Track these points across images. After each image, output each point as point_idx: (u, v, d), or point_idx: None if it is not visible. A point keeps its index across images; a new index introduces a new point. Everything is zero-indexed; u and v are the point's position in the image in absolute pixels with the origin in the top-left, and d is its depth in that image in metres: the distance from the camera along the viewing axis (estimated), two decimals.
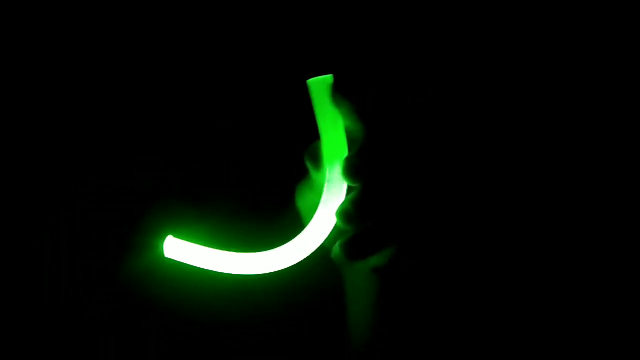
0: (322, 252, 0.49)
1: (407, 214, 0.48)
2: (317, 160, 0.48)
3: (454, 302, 0.61)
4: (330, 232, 0.48)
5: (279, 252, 0.48)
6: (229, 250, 0.48)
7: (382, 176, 0.46)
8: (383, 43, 0.64)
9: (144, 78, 0.66)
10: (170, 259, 0.48)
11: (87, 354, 0.64)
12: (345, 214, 0.46)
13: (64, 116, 0.66)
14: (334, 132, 0.47)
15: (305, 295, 0.61)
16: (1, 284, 0.64)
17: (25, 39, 0.65)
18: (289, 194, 0.55)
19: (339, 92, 0.46)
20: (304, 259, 0.48)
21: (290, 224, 0.52)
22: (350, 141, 0.48)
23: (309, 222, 0.48)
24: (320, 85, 0.46)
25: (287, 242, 0.48)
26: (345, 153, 0.47)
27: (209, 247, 0.48)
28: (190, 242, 0.48)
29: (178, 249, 0.47)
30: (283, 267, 0.48)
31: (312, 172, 0.49)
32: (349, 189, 0.48)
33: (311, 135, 0.49)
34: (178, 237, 0.48)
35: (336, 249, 0.47)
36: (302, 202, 0.52)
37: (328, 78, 0.46)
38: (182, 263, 0.48)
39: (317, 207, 0.48)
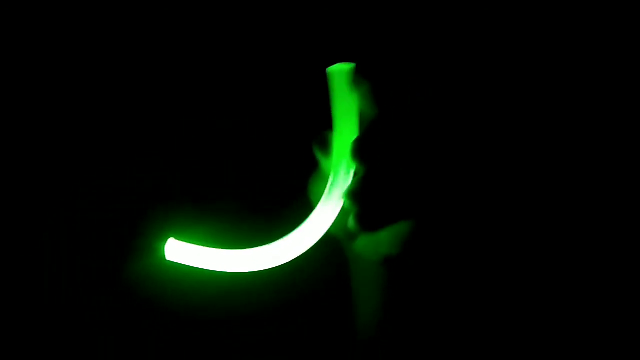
0: (327, 246, 0.50)
1: (414, 194, 0.47)
2: (325, 148, 0.48)
3: (461, 297, 0.62)
4: (337, 219, 0.48)
5: (283, 244, 0.47)
6: (232, 248, 0.48)
7: (390, 156, 0.46)
8: (403, 29, 0.64)
9: (144, 78, 0.66)
10: (172, 261, 0.48)
11: (87, 354, 0.64)
12: (353, 193, 0.46)
13: (64, 116, 0.65)
14: (347, 121, 0.47)
15: (311, 287, 0.61)
16: (1, 284, 0.64)
17: (26, 39, 0.65)
18: (291, 190, 0.55)
19: (359, 74, 0.46)
20: (310, 250, 0.48)
21: (294, 217, 0.51)
22: (361, 127, 0.48)
23: None
24: (340, 73, 0.46)
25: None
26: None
27: (211, 247, 0.48)
28: (192, 243, 0.48)
29: (180, 251, 0.47)
30: (288, 259, 0.48)
31: (321, 161, 0.49)
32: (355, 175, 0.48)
33: (310, 132, 0.49)
34: (179, 239, 0.48)
35: (351, 219, 0.47)
36: (313, 194, 0.52)
37: (348, 66, 0.46)
38: (185, 265, 0.48)
39: None
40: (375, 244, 0.50)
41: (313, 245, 0.48)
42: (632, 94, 0.66)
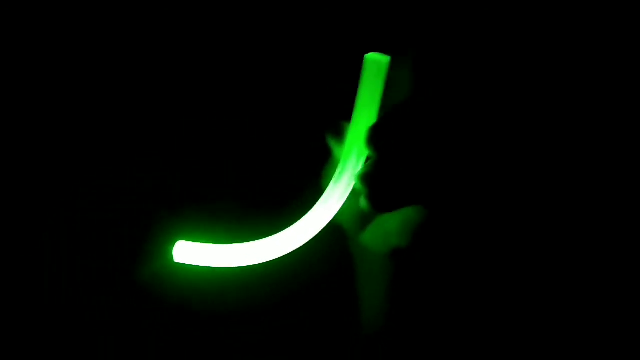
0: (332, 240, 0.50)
1: (425, 180, 0.47)
2: (340, 137, 0.48)
3: (466, 294, 0.62)
4: (345, 207, 0.48)
5: (291, 230, 0.47)
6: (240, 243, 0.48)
7: (404, 145, 0.46)
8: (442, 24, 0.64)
9: (144, 78, 0.66)
10: (181, 263, 0.48)
11: (87, 353, 0.64)
12: (365, 175, 0.46)
13: (64, 116, 0.65)
14: (368, 110, 0.47)
15: (316, 280, 0.62)
16: (1, 284, 0.64)
17: (25, 39, 0.65)
18: (298, 182, 0.55)
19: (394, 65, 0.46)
20: (316, 243, 0.48)
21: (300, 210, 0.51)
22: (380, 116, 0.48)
23: None
24: (376, 63, 0.46)
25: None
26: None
27: (218, 244, 0.48)
28: (199, 242, 0.48)
29: (188, 251, 0.47)
30: (298, 246, 0.48)
31: (334, 150, 0.49)
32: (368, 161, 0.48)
33: (318, 123, 0.49)
34: (186, 239, 0.48)
35: (363, 200, 0.47)
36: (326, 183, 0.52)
37: (386, 58, 0.46)
38: (194, 265, 0.48)
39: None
40: (384, 235, 0.50)
41: (318, 238, 0.48)
42: (633, 94, 0.66)
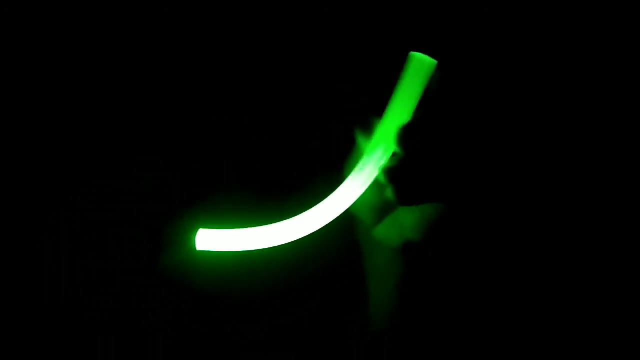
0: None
1: (447, 181, 0.48)
2: (368, 131, 0.48)
3: (473, 293, 0.62)
4: (361, 197, 0.49)
5: (310, 213, 0.48)
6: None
7: (433, 148, 0.47)
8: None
9: (144, 78, 0.66)
10: (204, 250, 0.48)
11: (87, 354, 0.64)
12: (391, 169, 0.47)
13: (64, 116, 0.65)
14: (403, 108, 0.47)
15: (327, 267, 0.63)
16: (1, 284, 0.64)
17: (25, 38, 0.65)
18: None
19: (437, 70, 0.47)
20: (331, 230, 0.49)
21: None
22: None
23: None
24: (422, 63, 0.46)
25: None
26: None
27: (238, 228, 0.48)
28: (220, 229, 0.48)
29: (210, 239, 0.48)
30: (312, 230, 0.48)
31: (359, 143, 0.49)
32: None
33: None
34: (207, 228, 0.48)
35: (389, 191, 0.48)
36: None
37: (432, 61, 0.47)
38: (216, 252, 0.48)
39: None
40: (399, 228, 0.51)
41: (332, 228, 0.49)
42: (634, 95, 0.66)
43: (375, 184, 0.49)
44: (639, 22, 0.66)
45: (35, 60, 0.65)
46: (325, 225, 0.49)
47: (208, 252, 0.48)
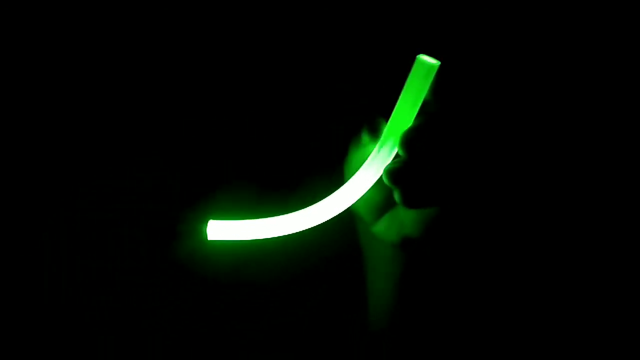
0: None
1: (448, 185, 0.49)
2: (375, 132, 0.49)
3: (471, 293, 0.63)
4: (364, 195, 0.50)
5: (319, 206, 0.49)
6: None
7: (435, 153, 0.48)
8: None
9: (144, 78, 0.66)
10: (214, 240, 0.49)
11: (87, 354, 0.64)
12: (392, 171, 0.48)
13: (64, 116, 0.65)
14: (409, 112, 0.48)
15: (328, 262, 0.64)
16: (1, 284, 0.64)
17: (25, 38, 0.65)
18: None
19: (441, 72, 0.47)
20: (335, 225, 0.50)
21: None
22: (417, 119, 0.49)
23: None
24: (427, 65, 0.47)
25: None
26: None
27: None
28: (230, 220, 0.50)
29: (220, 229, 0.49)
30: (324, 220, 0.49)
31: (365, 142, 0.50)
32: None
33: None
34: (218, 219, 0.50)
35: (397, 194, 0.48)
36: (348, 171, 0.53)
37: (436, 63, 0.47)
38: (226, 241, 0.50)
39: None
40: (398, 225, 0.51)
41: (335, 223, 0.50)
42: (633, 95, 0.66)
43: (376, 182, 0.50)
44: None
45: (35, 60, 0.65)
46: (326, 223, 0.50)
47: (218, 241, 0.49)
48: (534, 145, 0.66)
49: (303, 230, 0.50)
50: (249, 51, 0.67)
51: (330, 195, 0.49)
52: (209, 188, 0.64)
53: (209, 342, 0.64)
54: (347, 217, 0.52)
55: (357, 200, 0.50)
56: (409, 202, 0.48)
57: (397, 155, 0.49)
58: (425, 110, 0.48)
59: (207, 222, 0.49)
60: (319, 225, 0.50)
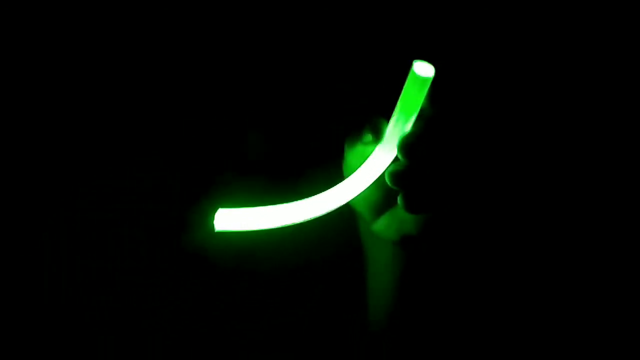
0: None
1: (446, 189, 0.49)
2: (377, 134, 0.49)
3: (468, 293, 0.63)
4: (363, 192, 0.50)
5: (323, 196, 0.50)
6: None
7: (432, 159, 0.48)
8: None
9: (144, 78, 0.66)
10: (222, 231, 0.49)
11: (87, 353, 0.64)
12: (394, 174, 0.48)
13: (64, 116, 0.66)
14: (407, 118, 0.48)
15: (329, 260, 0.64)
16: (1, 284, 0.64)
17: (25, 38, 0.65)
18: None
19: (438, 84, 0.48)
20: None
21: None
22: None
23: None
24: (420, 79, 0.47)
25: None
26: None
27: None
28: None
29: (228, 219, 0.49)
30: (322, 213, 0.50)
31: (368, 142, 0.50)
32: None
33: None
34: (225, 208, 0.50)
35: (400, 198, 0.49)
36: (347, 169, 0.53)
37: (429, 77, 0.47)
38: (235, 231, 0.50)
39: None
40: (398, 222, 0.52)
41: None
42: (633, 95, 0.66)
43: (376, 181, 0.50)
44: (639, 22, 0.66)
45: (35, 60, 0.65)
46: (327, 222, 0.50)
47: (226, 231, 0.49)
48: (530, 148, 0.66)
49: (305, 228, 0.50)
50: (249, 51, 0.67)
51: (332, 188, 0.50)
52: (209, 188, 0.64)
53: (209, 342, 0.64)
54: (347, 215, 0.53)
55: (357, 198, 0.50)
56: (411, 207, 0.48)
57: (397, 158, 0.49)
58: (423, 115, 0.48)
59: (214, 212, 0.49)
60: (319, 224, 0.50)
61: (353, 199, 0.50)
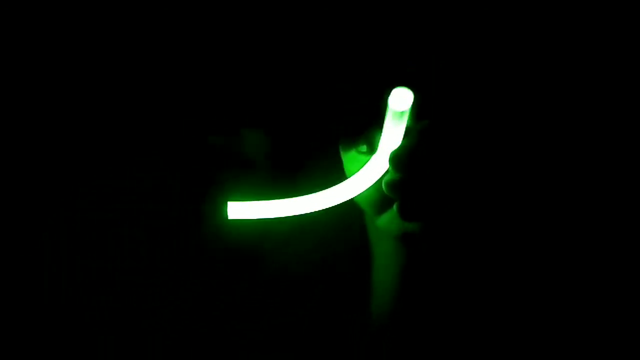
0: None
1: (436, 199, 0.51)
2: (372, 146, 0.51)
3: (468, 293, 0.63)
4: (367, 190, 0.52)
5: (330, 191, 0.52)
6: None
7: (421, 170, 0.50)
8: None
9: (144, 78, 0.66)
10: (234, 219, 0.52)
11: (87, 353, 0.64)
12: (390, 183, 0.50)
13: (64, 116, 0.66)
14: (395, 133, 0.50)
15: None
16: (1, 284, 0.64)
17: (25, 38, 0.65)
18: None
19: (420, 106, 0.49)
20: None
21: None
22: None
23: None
24: (397, 113, 0.48)
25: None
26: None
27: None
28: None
29: (239, 209, 0.52)
30: (325, 207, 0.52)
31: (362, 153, 0.52)
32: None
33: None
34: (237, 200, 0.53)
35: (396, 205, 0.51)
36: (348, 167, 0.54)
37: (406, 110, 0.47)
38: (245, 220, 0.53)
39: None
40: (400, 220, 0.52)
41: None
42: (632, 95, 0.66)
43: (377, 181, 0.52)
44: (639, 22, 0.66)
45: (35, 60, 0.65)
46: (328, 221, 0.52)
47: (237, 220, 0.52)
48: (524, 151, 0.67)
49: (308, 226, 0.52)
50: (250, 51, 0.67)
51: (332, 188, 0.52)
52: (209, 187, 0.64)
53: (209, 342, 0.64)
54: (348, 215, 0.54)
55: (360, 196, 0.52)
56: (405, 215, 0.50)
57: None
58: (412, 128, 0.50)
59: (227, 202, 0.52)
60: (321, 223, 0.51)
61: (356, 197, 0.52)
